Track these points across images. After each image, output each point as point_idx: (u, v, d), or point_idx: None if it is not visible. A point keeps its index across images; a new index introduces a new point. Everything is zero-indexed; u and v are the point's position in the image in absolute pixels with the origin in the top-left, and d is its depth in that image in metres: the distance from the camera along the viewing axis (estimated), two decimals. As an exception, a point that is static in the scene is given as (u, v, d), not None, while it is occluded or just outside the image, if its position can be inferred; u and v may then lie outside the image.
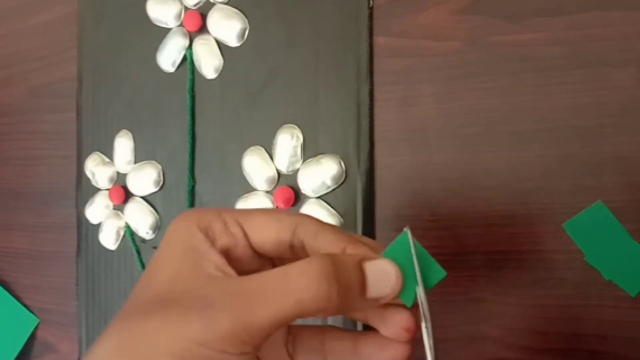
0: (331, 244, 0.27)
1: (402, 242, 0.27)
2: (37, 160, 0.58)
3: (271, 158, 0.45)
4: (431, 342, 0.26)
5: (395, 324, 0.27)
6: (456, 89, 0.39)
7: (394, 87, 0.41)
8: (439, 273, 0.27)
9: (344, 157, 0.43)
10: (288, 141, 0.44)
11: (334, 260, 0.25)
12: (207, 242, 0.27)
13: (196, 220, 0.28)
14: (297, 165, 0.44)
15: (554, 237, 0.37)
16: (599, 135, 0.36)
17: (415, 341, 0.28)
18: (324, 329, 0.31)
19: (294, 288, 0.24)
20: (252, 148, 0.46)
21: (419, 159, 0.41)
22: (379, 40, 0.42)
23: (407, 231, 0.27)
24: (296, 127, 0.44)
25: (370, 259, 0.26)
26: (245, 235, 0.28)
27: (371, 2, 0.42)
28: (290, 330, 0.30)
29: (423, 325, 0.26)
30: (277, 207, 0.44)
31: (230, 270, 0.27)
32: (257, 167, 0.46)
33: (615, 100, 0.35)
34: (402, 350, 0.28)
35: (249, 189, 0.46)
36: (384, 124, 0.42)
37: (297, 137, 0.44)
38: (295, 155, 0.44)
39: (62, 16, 0.57)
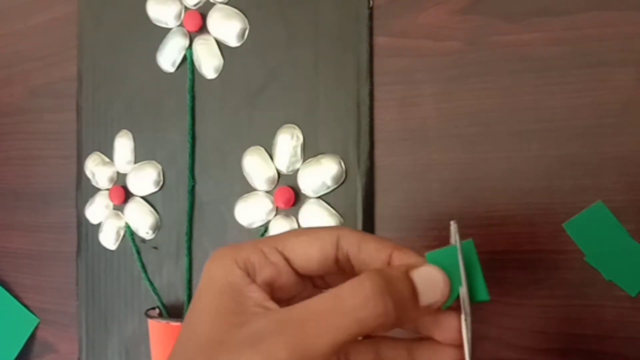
0: (377, 253, 0.27)
1: (450, 251, 0.27)
2: (37, 160, 0.58)
3: (271, 158, 0.45)
4: (469, 335, 0.26)
5: (451, 329, 0.27)
6: (456, 89, 0.39)
7: (394, 87, 0.41)
8: (482, 293, 0.27)
9: (344, 157, 0.43)
10: (288, 141, 0.44)
11: (383, 275, 0.25)
12: (246, 278, 0.27)
13: (233, 257, 0.27)
14: (297, 165, 0.44)
15: (554, 237, 0.37)
16: (599, 135, 0.36)
17: None
18: (377, 339, 0.30)
19: (350, 308, 0.24)
20: (252, 148, 0.46)
21: (419, 159, 0.41)
22: (379, 40, 0.42)
23: (471, 240, 0.27)
24: (296, 127, 0.44)
25: (415, 267, 0.26)
26: (287, 260, 0.28)
27: (371, 2, 0.42)
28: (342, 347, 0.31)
29: (463, 318, 0.26)
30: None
31: (272, 305, 0.26)
32: (257, 167, 0.46)
33: (615, 100, 0.35)
34: (455, 352, 0.28)
35: (249, 189, 0.46)
36: (384, 124, 0.42)
37: (297, 137, 0.44)
38: (295, 155, 0.44)
39: (62, 16, 0.57)
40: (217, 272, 0.27)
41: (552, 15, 0.37)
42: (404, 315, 0.25)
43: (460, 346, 0.28)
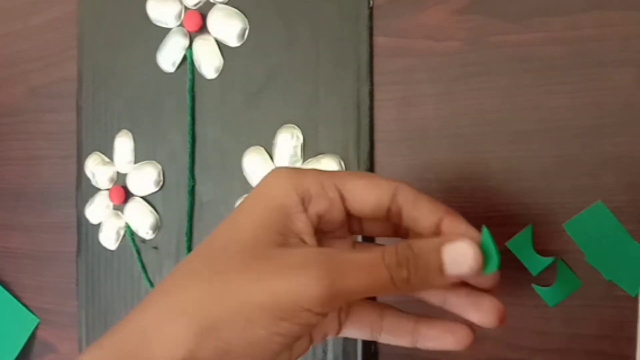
0: (429, 214, 0.29)
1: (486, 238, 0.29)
2: (37, 160, 0.58)
3: (271, 158, 0.45)
4: None
5: (490, 311, 0.30)
6: (456, 89, 0.39)
7: (394, 87, 0.41)
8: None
9: (344, 157, 0.43)
10: (288, 141, 0.45)
11: (415, 246, 0.27)
12: (300, 206, 0.28)
13: (294, 180, 0.29)
14: (297, 165, 0.44)
15: (554, 237, 0.37)
16: (599, 135, 0.36)
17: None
18: (384, 306, 0.32)
19: (384, 265, 0.27)
20: (252, 148, 0.46)
21: (419, 159, 0.41)
22: (379, 40, 0.42)
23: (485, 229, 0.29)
24: (296, 127, 0.44)
25: (451, 240, 0.28)
26: (343, 199, 0.29)
27: (371, 2, 0.42)
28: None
29: None
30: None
31: (310, 240, 0.28)
32: (257, 167, 0.46)
33: (615, 100, 0.35)
34: (469, 336, 0.30)
35: (249, 189, 0.46)
36: (384, 124, 0.42)
37: (297, 137, 0.44)
38: (295, 155, 0.44)
39: (62, 16, 0.57)
40: (274, 190, 0.29)
41: (552, 15, 0.37)
42: (429, 280, 0.27)
43: (473, 330, 0.30)
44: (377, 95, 0.42)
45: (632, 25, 0.35)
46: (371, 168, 0.42)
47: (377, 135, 0.42)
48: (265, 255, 0.27)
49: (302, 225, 0.28)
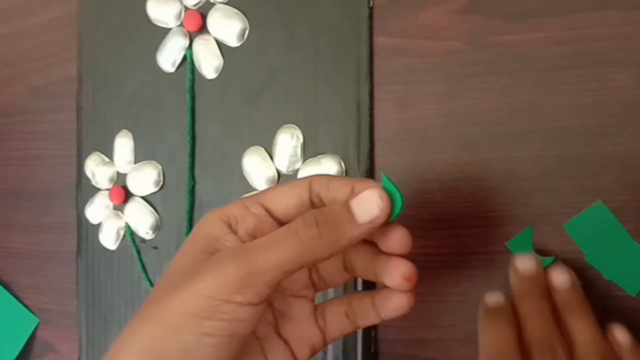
0: (342, 188, 0.30)
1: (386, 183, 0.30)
2: (37, 160, 0.58)
3: (271, 158, 0.45)
4: None
5: (396, 274, 0.31)
6: (456, 89, 0.39)
7: (394, 87, 0.41)
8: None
9: (344, 157, 0.43)
10: (288, 141, 0.45)
11: (322, 208, 0.29)
12: (226, 229, 0.30)
13: (218, 213, 0.31)
14: (297, 165, 0.44)
15: (554, 237, 0.37)
16: (599, 135, 0.36)
17: (414, 291, 0.31)
18: (349, 296, 0.34)
19: (292, 233, 0.28)
20: (252, 148, 0.46)
21: (419, 159, 0.41)
22: (379, 40, 0.42)
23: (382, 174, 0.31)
24: (296, 127, 0.44)
25: (357, 194, 0.29)
26: (269, 211, 0.31)
27: (371, 2, 0.42)
28: (318, 308, 0.33)
29: None
30: None
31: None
32: (257, 167, 0.46)
33: (615, 100, 0.35)
34: (402, 299, 0.31)
35: (249, 189, 0.46)
36: (384, 124, 0.42)
37: (297, 137, 0.44)
38: (295, 155, 0.44)
39: (62, 16, 0.57)
40: (201, 226, 0.31)
41: (552, 15, 0.37)
42: (343, 233, 0.28)
43: (405, 292, 0.31)
44: (377, 95, 0.42)
45: (632, 25, 0.35)
46: (371, 168, 0.42)
47: (377, 135, 0.42)
48: (192, 271, 0.28)
49: (231, 241, 0.30)
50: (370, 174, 0.42)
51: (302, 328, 0.33)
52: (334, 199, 0.30)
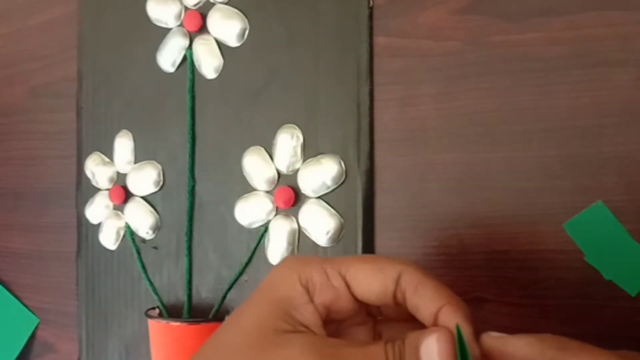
0: (430, 302, 0.28)
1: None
2: (37, 160, 0.58)
3: (271, 158, 0.45)
4: None
5: None
6: (456, 89, 0.39)
7: (394, 87, 0.41)
8: None
9: (344, 157, 0.43)
10: (288, 141, 0.44)
11: (401, 348, 0.26)
12: (305, 296, 0.28)
13: (298, 271, 0.29)
14: (297, 165, 0.44)
15: (554, 237, 0.37)
16: (599, 135, 0.36)
17: None
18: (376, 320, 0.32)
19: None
20: (252, 148, 0.46)
21: (419, 159, 0.41)
22: (379, 40, 0.42)
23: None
24: (296, 127, 0.44)
25: (427, 333, 0.26)
26: (348, 286, 0.29)
27: (371, 2, 0.42)
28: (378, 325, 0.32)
29: None
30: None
31: (320, 332, 0.28)
32: (257, 167, 0.46)
33: (615, 100, 0.35)
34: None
35: (249, 189, 0.46)
36: (384, 124, 0.42)
37: (297, 137, 0.44)
38: (295, 155, 0.44)
39: (62, 16, 0.57)
40: (279, 281, 0.29)
41: (552, 15, 0.37)
42: None
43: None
44: (377, 95, 0.42)
45: (632, 25, 0.35)
46: (371, 168, 0.42)
47: (377, 135, 0.42)
48: (269, 340, 0.26)
49: (310, 316, 0.28)
50: (370, 173, 0.42)
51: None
52: (417, 307, 0.28)
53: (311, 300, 0.28)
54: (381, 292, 0.28)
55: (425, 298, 0.28)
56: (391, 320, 0.31)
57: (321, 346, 0.26)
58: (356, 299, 0.29)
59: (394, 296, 0.28)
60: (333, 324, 0.29)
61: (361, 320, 0.31)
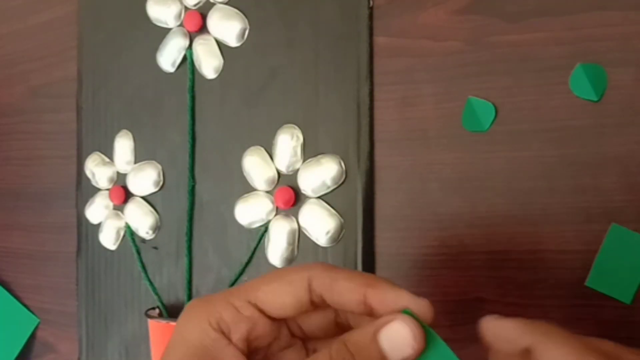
0: (350, 294, 0.26)
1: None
2: (37, 160, 0.58)
3: (271, 158, 0.45)
4: None
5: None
6: (456, 89, 0.39)
7: (394, 87, 0.41)
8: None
9: (344, 157, 0.43)
10: (288, 141, 0.44)
11: (350, 346, 0.25)
12: (222, 340, 0.27)
13: (206, 316, 0.27)
14: (297, 165, 0.44)
15: (554, 237, 0.37)
16: (599, 135, 0.36)
17: None
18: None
19: None
20: (252, 148, 0.46)
21: (419, 159, 0.41)
22: (379, 40, 0.42)
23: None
24: (296, 127, 0.44)
25: (385, 324, 0.25)
26: (262, 311, 0.28)
27: (371, 2, 0.42)
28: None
29: None
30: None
31: None
32: (257, 167, 0.46)
33: (615, 100, 0.35)
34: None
35: (249, 189, 0.46)
36: (384, 124, 0.42)
37: (297, 137, 0.44)
38: (295, 155, 0.44)
39: (62, 16, 0.57)
40: (191, 334, 0.27)
41: (552, 15, 0.37)
42: None
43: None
44: (377, 95, 0.42)
45: (632, 25, 0.35)
46: (371, 168, 0.42)
47: (377, 135, 0.42)
48: None
49: (232, 357, 0.27)
50: (370, 173, 0.42)
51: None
52: (341, 304, 0.27)
53: (229, 340, 0.27)
54: (297, 305, 0.27)
55: (343, 292, 0.27)
56: (317, 337, 0.30)
57: None
58: (274, 320, 0.28)
59: (311, 303, 0.27)
60: (259, 353, 0.28)
61: (287, 343, 0.30)
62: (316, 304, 0.27)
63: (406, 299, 0.26)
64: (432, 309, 0.25)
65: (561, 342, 0.25)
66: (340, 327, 0.30)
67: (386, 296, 0.26)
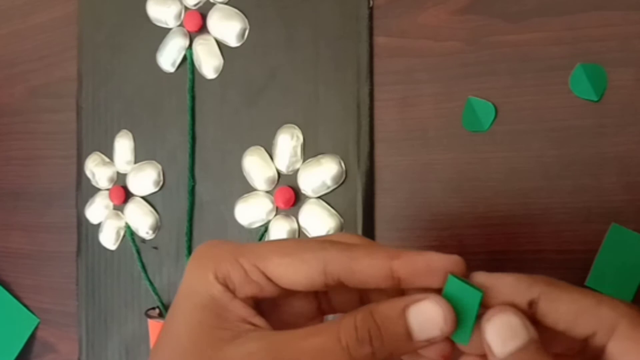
0: (373, 271, 0.25)
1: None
2: (37, 160, 0.58)
3: (271, 158, 0.45)
4: None
5: (434, 349, 0.26)
6: (456, 89, 0.39)
7: (394, 87, 0.41)
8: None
9: (344, 157, 0.43)
10: (288, 141, 0.44)
11: (376, 316, 0.24)
12: (228, 293, 0.26)
13: (212, 269, 0.26)
14: (297, 165, 0.44)
15: (554, 237, 0.37)
16: (599, 135, 0.36)
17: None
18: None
19: (344, 348, 0.24)
20: (252, 148, 0.46)
21: (419, 159, 0.41)
22: (379, 40, 0.42)
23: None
24: (296, 127, 0.44)
25: (417, 301, 0.24)
26: (270, 279, 0.26)
27: (371, 2, 0.42)
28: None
29: None
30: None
31: (260, 321, 0.26)
32: (257, 167, 0.46)
33: (615, 100, 0.35)
34: None
35: (249, 189, 0.46)
36: (384, 124, 0.42)
37: (297, 137, 0.44)
38: (295, 155, 0.44)
39: (62, 16, 0.57)
40: (197, 285, 0.26)
41: (552, 15, 0.37)
42: (396, 351, 0.24)
43: None
44: (377, 95, 0.42)
45: (632, 25, 0.35)
46: (371, 168, 0.42)
47: (377, 135, 0.42)
48: (212, 358, 0.24)
49: (240, 310, 0.26)
50: (370, 173, 0.42)
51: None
52: (364, 282, 0.25)
53: (234, 296, 0.26)
54: (308, 284, 0.26)
55: (367, 271, 0.25)
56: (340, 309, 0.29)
57: (271, 344, 0.24)
58: (284, 290, 0.27)
59: (325, 285, 0.26)
60: (269, 313, 0.27)
61: (299, 305, 0.29)
62: (331, 286, 0.26)
63: (436, 259, 0.25)
64: (465, 264, 0.24)
65: (567, 289, 0.25)
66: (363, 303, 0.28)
67: (416, 263, 0.25)
